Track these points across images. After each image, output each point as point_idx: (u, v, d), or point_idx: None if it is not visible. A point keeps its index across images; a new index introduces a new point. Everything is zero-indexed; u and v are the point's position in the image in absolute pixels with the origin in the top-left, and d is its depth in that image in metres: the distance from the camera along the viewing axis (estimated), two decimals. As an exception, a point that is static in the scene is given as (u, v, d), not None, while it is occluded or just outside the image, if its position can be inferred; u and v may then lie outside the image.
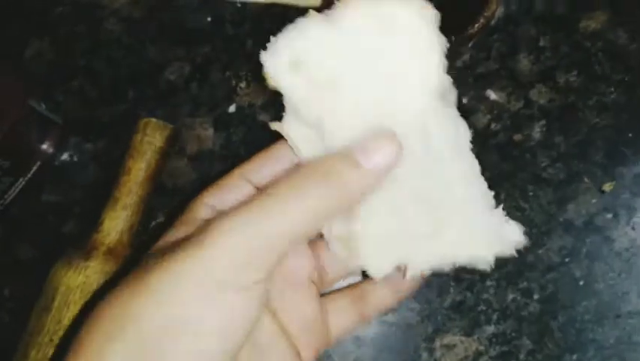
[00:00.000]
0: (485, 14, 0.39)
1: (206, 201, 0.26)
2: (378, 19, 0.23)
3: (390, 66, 0.23)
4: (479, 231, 0.24)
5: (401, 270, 0.25)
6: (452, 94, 0.25)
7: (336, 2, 0.24)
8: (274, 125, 0.25)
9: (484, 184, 0.25)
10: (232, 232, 0.21)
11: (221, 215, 0.21)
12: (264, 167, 0.27)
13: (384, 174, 0.22)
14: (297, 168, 0.23)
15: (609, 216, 0.39)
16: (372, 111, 0.23)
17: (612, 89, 0.41)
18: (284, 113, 0.25)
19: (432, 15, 0.23)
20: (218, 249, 0.20)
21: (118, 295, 0.21)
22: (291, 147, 0.25)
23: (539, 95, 0.42)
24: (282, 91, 0.24)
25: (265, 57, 0.23)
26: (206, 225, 0.21)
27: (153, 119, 0.39)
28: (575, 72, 0.42)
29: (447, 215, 0.24)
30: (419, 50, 0.23)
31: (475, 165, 0.25)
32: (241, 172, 0.27)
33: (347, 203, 0.22)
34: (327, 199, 0.22)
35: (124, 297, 0.21)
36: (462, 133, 0.25)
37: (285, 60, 0.23)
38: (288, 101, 0.24)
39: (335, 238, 0.24)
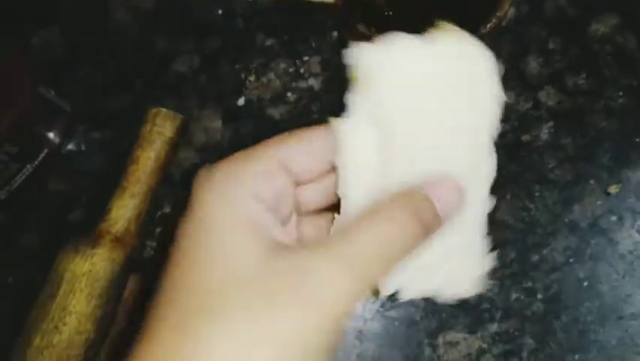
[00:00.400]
0: (498, 14, 0.39)
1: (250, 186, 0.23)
2: (464, 55, 0.24)
3: (464, 103, 0.24)
4: (469, 273, 0.25)
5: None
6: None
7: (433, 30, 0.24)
8: (334, 122, 0.24)
9: (485, 232, 0.26)
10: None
11: (320, 255, 0.20)
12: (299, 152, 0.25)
13: (452, 217, 0.23)
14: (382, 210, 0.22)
15: (614, 218, 0.40)
16: (440, 132, 0.24)
17: (620, 93, 0.42)
18: (347, 113, 0.24)
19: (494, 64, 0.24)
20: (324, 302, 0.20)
21: None
22: (338, 148, 0.24)
23: (548, 96, 0.42)
24: (369, 85, 0.23)
25: (368, 49, 0.23)
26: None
27: (163, 109, 0.39)
28: (583, 75, 0.42)
29: (453, 255, 0.25)
30: (488, 94, 0.24)
31: (486, 207, 0.25)
32: (275, 152, 0.24)
33: (425, 240, 0.23)
34: (413, 239, 0.22)
35: None
36: (489, 173, 0.25)
37: (387, 57, 0.23)
38: (368, 97, 0.23)
39: None
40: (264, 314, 0.19)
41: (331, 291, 0.20)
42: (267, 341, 0.19)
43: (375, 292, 0.25)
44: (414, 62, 0.23)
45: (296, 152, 0.24)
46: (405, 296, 0.25)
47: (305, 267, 0.20)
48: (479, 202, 0.25)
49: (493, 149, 0.25)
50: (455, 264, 0.25)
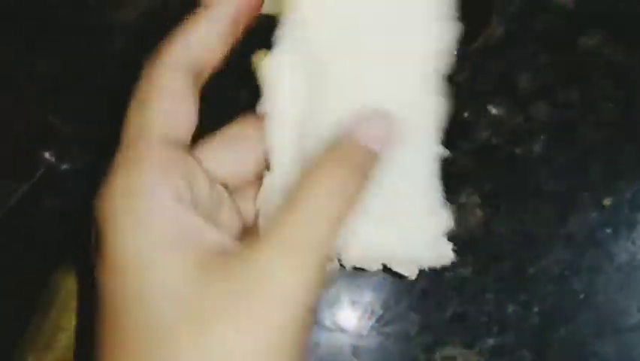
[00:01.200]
0: (486, 32, 0.40)
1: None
2: None
3: (403, 31, 0.22)
4: (422, 230, 0.22)
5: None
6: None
7: None
8: (258, 59, 0.22)
9: (439, 186, 0.23)
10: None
11: (261, 255, 0.18)
12: None
13: (384, 153, 0.21)
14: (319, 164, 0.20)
15: (609, 230, 0.39)
16: (371, 77, 0.21)
17: (610, 105, 0.42)
18: (274, 48, 0.21)
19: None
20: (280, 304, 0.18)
21: None
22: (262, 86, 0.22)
23: (539, 110, 0.42)
24: (296, 13, 0.21)
25: None
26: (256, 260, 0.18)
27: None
28: (574, 89, 0.42)
29: (398, 203, 0.22)
30: (432, 24, 0.22)
31: (435, 160, 0.23)
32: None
33: (365, 185, 0.20)
34: (360, 197, 0.20)
35: None
36: (440, 125, 0.23)
37: None
38: (294, 29, 0.21)
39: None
40: (213, 335, 0.17)
41: (279, 291, 0.18)
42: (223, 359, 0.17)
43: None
44: None
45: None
46: (351, 261, 0.22)
47: (245, 270, 0.18)
48: (423, 146, 0.22)
49: (440, 88, 0.22)
50: (403, 219, 0.22)
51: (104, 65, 0.45)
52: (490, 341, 0.38)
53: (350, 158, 0.20)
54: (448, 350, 0.38)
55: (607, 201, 0.40)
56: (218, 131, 0.23)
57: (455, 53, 0.39)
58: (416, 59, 0.22)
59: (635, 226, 0.39)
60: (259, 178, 0.23)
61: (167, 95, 0.21)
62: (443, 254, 0.22)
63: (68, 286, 0.34)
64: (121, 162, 0.20)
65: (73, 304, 0.34)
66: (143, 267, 0.18)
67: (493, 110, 0.43)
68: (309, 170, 0.20)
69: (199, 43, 0.21)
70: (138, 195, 0.19)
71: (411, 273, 0.23)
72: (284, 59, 0.21)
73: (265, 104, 0.21)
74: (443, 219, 0.22)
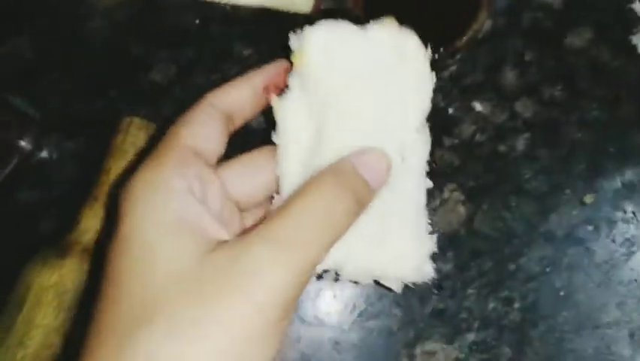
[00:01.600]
0: (474, 27, 0.40)
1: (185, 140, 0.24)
2: (397, 42, 0.26)
3: (395, 86, 0.26)
4: (410, 254, 0.25)
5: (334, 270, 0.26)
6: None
7: (371, 21, 0.26)
8: (274, 101, 0.25)
9: (426, 212, 0.26)
10: (275, 275, 0.20)
11: (256, 254, 0.20)
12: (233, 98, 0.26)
13: (380, 187, 0.24)
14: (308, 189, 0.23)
15: (590, 228, 0.40)
16: (369, 121, 0.25)
17: (594, 105, 0.42)
18: (287, 93, 0.25)
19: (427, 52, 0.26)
20: (266, 296, 0.20)
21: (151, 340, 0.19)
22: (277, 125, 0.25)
23: (524, 107, 0.42)
24: (305, 67, 0.25)
25: (306, 32, 0.25)
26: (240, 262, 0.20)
27: (137, 118, 0.38)
28: (559, 87, 0.43)
29: (391, 228, 0.25)
30: (419, 78, 0.26)
31: (424, 192, 0.26)
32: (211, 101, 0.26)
33: (358, 214, 0.23)
34: (351, 218, 0.22)
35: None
36: (427, 162, 0.27)
37: (326, 41, 0.25)
38: (304, 79, 0.25)
39: None
40: (202, 310, 0.19)
41: (266, 279, 0.20)
42: (207, 336, 0.19)
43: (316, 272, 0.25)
44: (349, 47, 0.25)
45: (235, 173, 0.25)
46: (347, 275, 0.25)
47: (239, 258, 0.20)
48: (413, 178, 0.25)
49: (425, 128, 0.26)
50: (394, 242, 0.25)
51: (81, 49, 0.44)
52: (471, 337, 0.38)
53: (349, 184, 0.22)
54: (429, 345, 0.38)
55: (588, 199, 0.40)
56: (237, 157, 0.26)
57: (442, 49, 0.39)
58: (408, 103, 0.26)
59: (615, 224, 0.40)
60: (269, 201, 0.26)
61: (203, 122, 0.25)
62: (426, 272, 0.25)
63: (40, 280, 0.33)
64: (149, 160, 0.23)
65: (45, 299, 0.33)
66: (151, 245, 0.20)
67: (478, 107, 0.42)
68: (311, 181, 0.22)
69: (235, 99, 0.26)
70: (156, 185, 0.22)
71: (397, 287, 0.26)
72: (293, 102, 0.25)
73: (277, 138, 0.25)
74: (428, 243, 0.25)
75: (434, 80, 0.26)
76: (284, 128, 0.25)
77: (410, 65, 0.26)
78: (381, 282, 0.26)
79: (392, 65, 0.25)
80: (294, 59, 0.25)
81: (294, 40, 0.25)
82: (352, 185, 0.23)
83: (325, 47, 0.25)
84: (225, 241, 0.21)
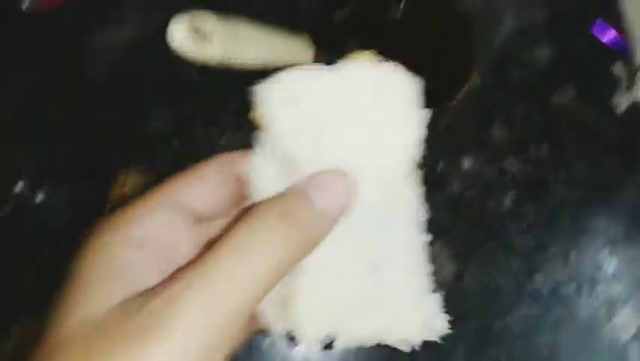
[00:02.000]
0: (466, 87, 0.41)
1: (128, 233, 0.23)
2: (373, 76, 0.24)
3: (375, 124, 0.24)
4: (413, 313, 0.23)
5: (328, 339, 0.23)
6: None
7: (340, 59, 0.24)
8: (241, 157, 0.25)
9: (428, 267, 0.24)
10: (194, 315, 0.19)
11: (174, 289, 0.19)
12: (192, 188, 0.25)
13: (338, 215, 0.22)
14: (250, 213, 0.21)
15: (573, 285, 0.41)
16: (347, 163, 0.23)
17: (579, 162, 0.44)
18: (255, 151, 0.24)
19: (417, 89, 0.24)
20: (181, 340, 0.18)
21: None
22: (249, 184, 0.24)
23: (511, 165, 0.44)
24: (269, 123, 0.24)
25: (264, 86, 0.24)
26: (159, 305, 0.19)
27: (134, 170, 0.39)
28: (545, 144, 0.44)
29: (388, 287, 0.23)
30: (404, 115, 0.24)
31: (423, 245, 0.24)
32: (167, 193, 0.24)
33: (307, 248, 0.21)
34: (289, 247, 0.20)
35: None
36: (420, 211, 0.24)
37: (284, 92, 0.24)
38: (269, 135, 0.24)
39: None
40: (118, 356, 0.18)
41: (187, 328, 0.18)
42: None
43: (294, 338, 0.23)
44: (316, 91, 0.23)
45: (190, 189, 0.24)
46: (340, 344, 0.23)
47: (160, 308, 0.19)
48: (407, 234, 0.24)
49: (414, 178, 0.24)
50: (393, 303, 0.23)
51: (79, 94, 0.45)
52: (458, 397, 0.39)
53: (298, 218, 0.20)
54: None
55: (572, 256, 0.41)
56: (186, 172, 0.25)
57: (433, 110, 0.40)
58: (389, 151, 0.24)
59: (598, 282, 0.41)
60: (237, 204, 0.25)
61: (200, 178, 0.25)
62: (438, 327, 0.23)
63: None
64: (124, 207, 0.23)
65: None
66: (89, 281, 0.21)
67: (466, 163, 0.44)
68: (253, 213, 0.20)
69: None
70: (109, 231, 0.22)
71: (405, 347, 0.23)
72: (262, 157, 0.25)
73: (249, 190, 0.24)
74: (432, 303, 0.23)
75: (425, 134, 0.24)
76: (254, 182, 0.24)
77: (390, 98, 0.24)
78: (386, 343, 0.23)
79: (367, 101, 0.24)
80: (254, 115, 0.24)
81: (253, 95, 0.24)
82: (293, 211, 0.20)
83: (287, 97, 0.23)
84: (153, 290, 0.20)
